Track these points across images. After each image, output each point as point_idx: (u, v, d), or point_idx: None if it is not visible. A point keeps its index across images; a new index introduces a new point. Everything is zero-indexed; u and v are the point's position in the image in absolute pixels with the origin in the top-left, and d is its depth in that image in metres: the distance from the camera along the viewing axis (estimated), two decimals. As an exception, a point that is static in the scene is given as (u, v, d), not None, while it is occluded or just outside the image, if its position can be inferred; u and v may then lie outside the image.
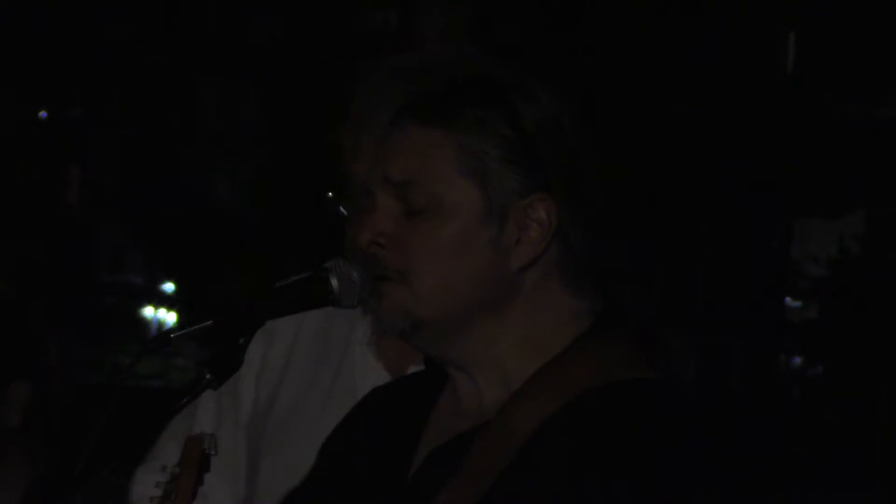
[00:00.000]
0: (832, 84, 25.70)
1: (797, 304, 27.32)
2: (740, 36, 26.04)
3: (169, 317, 30.84)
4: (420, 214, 2.69)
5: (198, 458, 2.75)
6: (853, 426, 21.28)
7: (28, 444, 4.28)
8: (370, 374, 3.46)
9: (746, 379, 25.57)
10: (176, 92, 26.28)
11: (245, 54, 26.00)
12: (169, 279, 29.92)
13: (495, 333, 2.73)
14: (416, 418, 2.84)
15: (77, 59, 24.82)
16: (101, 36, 24.77)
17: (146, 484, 3.50)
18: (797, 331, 26.73)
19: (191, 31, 26.37)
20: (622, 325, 2.75)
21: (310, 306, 2.90)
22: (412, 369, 3.33)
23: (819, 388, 25.43)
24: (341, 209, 3.38)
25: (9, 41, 23.62)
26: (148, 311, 31.92)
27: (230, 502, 3.71)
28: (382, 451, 2.86)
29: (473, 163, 2.68)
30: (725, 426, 2.59)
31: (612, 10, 24.28)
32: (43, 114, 25.77)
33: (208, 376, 2.72)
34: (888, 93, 25.01)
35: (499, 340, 2.74)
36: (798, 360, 27.27)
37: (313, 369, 3.63)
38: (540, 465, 2.61)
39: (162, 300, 31.19)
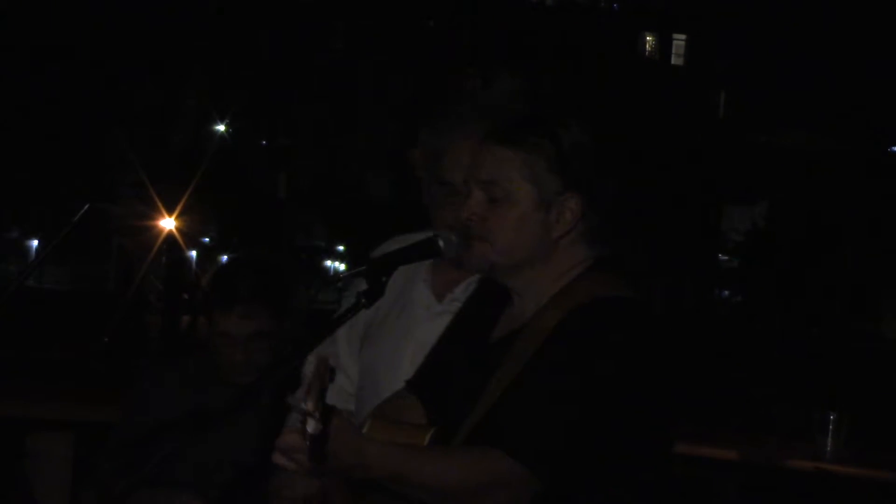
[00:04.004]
0: (749, 125, 25.92)
1: (725, 258, 27.36)
2: (693, 94, 26.41)
3: (341, 266, 29.27)
4: (497, 202, 2.63)
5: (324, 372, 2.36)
6: (759, 329, 21.48)
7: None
8: (424, 298, 3.24)
9: (695, 304, 25.78)
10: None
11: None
12: (341, 242, 28.18)
13: (539, 273, 2.67)
14: (490, 322, 2.76)
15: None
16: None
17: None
18: (725, 274, 27.08)
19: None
20: (612, 266, 2.69)
21: (425, 258, 2.86)
22: (448, 296, 3.22)
23: (738, 309, 25.70)
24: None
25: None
26: (328, 263, 30.17)
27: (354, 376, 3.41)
28: (470, 342, 2.77)
29: (530, 171, 2.62)
30: (663, 326, 2.58)
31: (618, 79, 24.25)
32: (263, 142, 25.28)
33: (363, 301, 2.67)
34: (783, 131, 25.20)
35: (541, 276, 2.67)
36: (726, 293, 27.68)
37: (399, 295, 3.33)
38: (552, 349, 2.53)
39: (337, 256, 29.59)
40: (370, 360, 3.30)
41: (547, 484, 2.44)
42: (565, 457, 2.45)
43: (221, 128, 23.92)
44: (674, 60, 28.78)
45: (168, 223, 21.79)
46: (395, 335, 3.19)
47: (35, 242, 27.40)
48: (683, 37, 28.92)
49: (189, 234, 22.74)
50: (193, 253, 25.50)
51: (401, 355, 3.18)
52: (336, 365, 3.46)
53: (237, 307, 3.93)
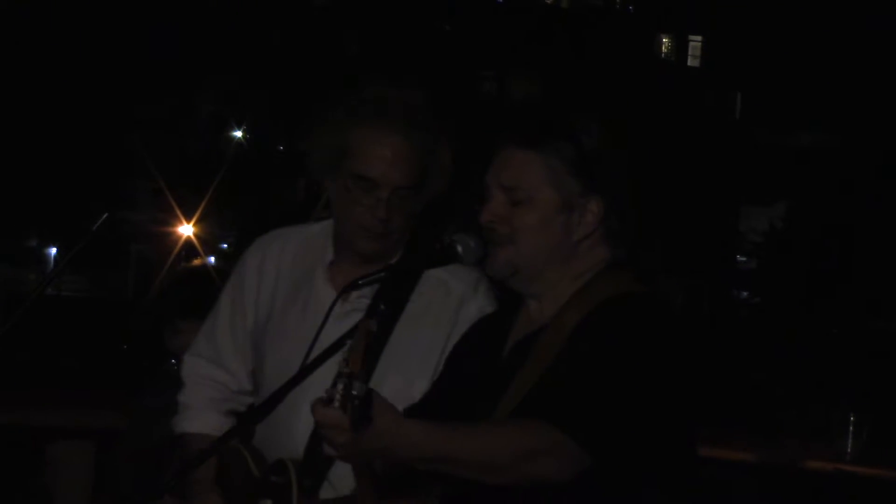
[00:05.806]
0: (765, 125, 26.00)
1: (744, 258, 27.20)
2: (709, 95, 26.73)
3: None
4: (520, 204, 2.64)
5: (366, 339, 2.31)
6: (778, 329, 21.15)
7: None
8: (326, 295, 3.13)
9: (713, 305, 25.44)
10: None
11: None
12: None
13: (560, 275, 2.68)
14: (504, 329, 2.76)
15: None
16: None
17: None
18: (744, 275, 26.82)
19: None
20: (628, 266, 2.69)
21: (443, 263, 2.83)
22: (355, 293, 3.12)
23: (756, 310, 25.27)
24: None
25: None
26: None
27: (245, 370, 3.36)
28: (486, 349, 2.78)
29: (551, 174, 2.63)
30: (676, 322, 2.61)
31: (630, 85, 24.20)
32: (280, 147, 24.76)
33: (382, 307, 2.68)
34: (798, 132, 25.23)
35: (561, 279, 2.69)
36: (745, 293, 27.19)
37: (293, 292, 3.28)
38: (576, 348, 2.56)
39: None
40: (278, 359, 3.25)
41: (587, 451, 2.46)
42: (604, 427, 2.48)
43: (239, 133, 24.10)
44: (690, 62, 28.95)
45: (186, 229, 21.92)
46: (303, 335, 3.07)
47: (54, 250, 27.45)
48: (700, 38, 28.94)
49: (207, 240, 22.76)
50: (212, 259, 25.51)
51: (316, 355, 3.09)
52: (216, 361, 3.39)
53: (175, 322, 4.07)
